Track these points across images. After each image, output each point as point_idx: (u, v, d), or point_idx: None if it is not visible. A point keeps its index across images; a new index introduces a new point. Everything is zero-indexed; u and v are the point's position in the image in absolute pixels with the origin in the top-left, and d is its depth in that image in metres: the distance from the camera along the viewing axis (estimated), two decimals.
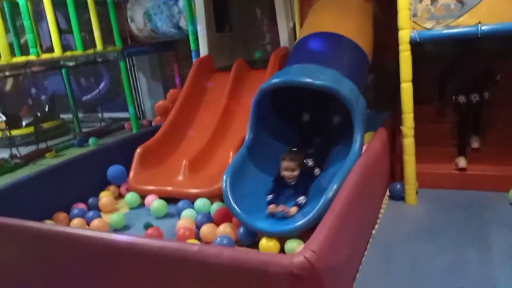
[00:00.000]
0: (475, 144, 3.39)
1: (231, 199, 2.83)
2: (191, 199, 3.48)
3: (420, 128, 3.14)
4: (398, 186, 3.27)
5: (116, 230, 3.32)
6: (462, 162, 3.33)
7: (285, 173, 2.92)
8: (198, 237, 2.95)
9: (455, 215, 2.94)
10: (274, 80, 3.05)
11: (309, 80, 2.94)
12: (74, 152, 5.75)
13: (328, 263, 1.82)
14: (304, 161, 3.04)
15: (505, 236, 2.61)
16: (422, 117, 3.23)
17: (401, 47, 3.00)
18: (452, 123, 3.54)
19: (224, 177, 2.92)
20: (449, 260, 2.44)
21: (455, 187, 3.29)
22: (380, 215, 3.05)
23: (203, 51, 5.03)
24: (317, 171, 3.10)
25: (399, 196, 3.25)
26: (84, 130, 6.92)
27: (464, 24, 2.81)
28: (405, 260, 2.47)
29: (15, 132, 6.36)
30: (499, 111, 3.46)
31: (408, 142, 3.11)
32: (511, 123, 3.37)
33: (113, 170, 4.02)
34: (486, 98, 3.33)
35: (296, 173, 2.91)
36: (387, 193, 3.38)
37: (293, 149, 3.12)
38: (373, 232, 2.82)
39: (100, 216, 3.40)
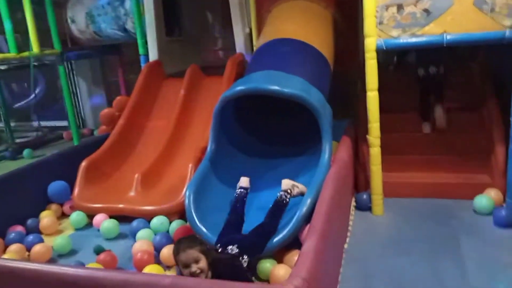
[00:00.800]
0: (438, 111, 3.48)
1: (195, 217, 2.61)
2: (147, 217, 3.17)
3: (384, 137, 3.10)
4: (365, 196, 3.21)
5: (60, 255, 2.95)
6: (426, 128, 3.54)
7: (189, 271, 1.95)
8: (158, 261, 2.67)
9: (423, 224, 2.92)
10: (239, 88, 2.87)
11: (276, 87, 2.79)
12: (7, 166, 5.16)
13: None
14: (222, 249, 2.25)
15: (474, 244, 2.62)
16: (387, 126, 3.19)
17: (367, 55, 2.94)
18: (417, 131, 3.57)
19: (187, 193, 2.69)
20: (425, 271, 2.39)
21: (419, 195, 3.28)
22: (349, 228, 2.95)
23: (153, 55, 4.74)
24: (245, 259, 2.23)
25: (365, 207, 3.19)
26: (17, 140, 6.27)
27: (430, 33, 2.80)
28: (382, 275, 2.39)
29: None
30: (464, 116, 3.53)
31: (375, 152, 3.06)
32: (474, 131, 3.43)
33: (55, 186, 3.60)
34: (441, 71, 3.56)
35: (202, 264, 1.95)
36: (353, 203, 3.31)
37: (185, 236, 2.24)
38: (345, 246, 2.71)
39: (42, 240, 3.00)
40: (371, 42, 2.91)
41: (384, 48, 2.90)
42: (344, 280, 2.36)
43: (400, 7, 2.84)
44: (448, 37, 2.75)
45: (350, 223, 3.04)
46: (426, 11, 2.78)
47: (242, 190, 2.77)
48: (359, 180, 3.47)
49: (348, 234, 2.89)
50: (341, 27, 3.92)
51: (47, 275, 1.84)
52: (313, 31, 3.47)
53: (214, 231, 2.52)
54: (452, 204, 3.14)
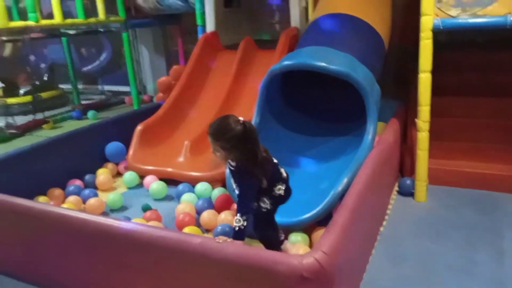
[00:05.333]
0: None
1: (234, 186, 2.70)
2: (192, 182, 3.34)
3: (435, 122, 2.99)
4: (408, 181, 3.14)
5: (112, 210, 3.20)
6: None
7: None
8: (198, 224, 2.83)
9: (466, 214, 2.84)
10: (286, 62, 2.88)
11: (323, 64, 2.77)
12: (72, 125, 5.59)
13: (339, 264, 1.71)
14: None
15: None
16: (438, 110, 3.08)
17: (422, 35, 2.82)
18: (471, 117, 3.37)
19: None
20: (458, 260, 2.35)
21: (466, 186, 3.16)
22: (388, 211, 2.93)
23: (210, 26, 4.81)
24: None
25: (408, 192, 3.13)
26: (83, 102, 6.73)
27: (492, 13, 2.63)
28: (413, 260, 2.38)
29: (12, 101, 6.18)
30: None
31: (423, 136, 2.97)
32: None
33: (112, 147, 3.88)
34: None
35: (218, 154, 2.00)
36: (396, 188, 3.26)
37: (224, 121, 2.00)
38: (381, 229, 2.71)
39: (96, 195, 3.27)
40: (428, 21, 2.78)
41: (441, 28, 2.76)
42: (375, 260, 2.37)
43: None
44: None
45: (390, 206, 3.01)
46: None
47: None
48: (405, 164, 3.40)
49: (386, 217, 2.87)
50: (401, 2, 3.76)
51: (95, 225, 2.05)
52: (368, 6, 3.37)
53: None
54: (500, 197, 3.00)
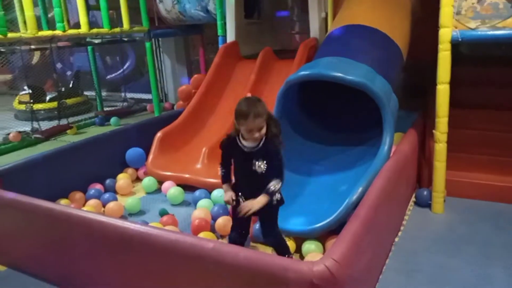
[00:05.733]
0: None
1: None
2: (209, 188, 3.40)
3: (452, 133, 2.97)
4: (425, 192, 3.11)
5: (131, 214, 3.28)
6: None
7: (253, 136, 2.04)
8: (213, 229, 2.87)
9: (483, 228, 2.79)
10: (302, 73, 2.92)
11: (339, 74, 2.79)
12: (95, 131, 5.74)
13: (349, 272, 1.72)
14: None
15: None
16: (456, 122, 3.05)
17: (440, 47, 2.82)
18: (491, 130, 3.33)
19: None
20: (473, 275, 2.31)
21: (485, 198, 3.11)
22: (404, 222, 2.91)
23: (230, 37, 4.91)
24: None
25: (425, 203, 3.10)
26: (106, 109, 6.92)
27: None
28: (427, 272, 2.35)
29: (38, 106, 6.39)
30: None
31: (440, 148, 2.95)
32: None
33: (132, 152, 3.97)
34: None
35: (263, 131, 2.05)
36: (413, 199, 3.23)
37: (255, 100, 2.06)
38: (396, 239, 2.69)
39: (116, 199, 3.36)
40: (446, 33, 2.78)
41: (460, 40, 2.76)
42: (388, 271, 2.36)
43: None
44: None
45: (406, 217, 2.99)
46: (510, 1, 2.59)
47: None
48: (423, 175, 3.37)
49: (402, 228, 2.85)
50: (419, 14, 3.76)
51: (111, 227, 2.11)
52: (387, 18, 3.38)
53: None
54: None
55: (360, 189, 2.49)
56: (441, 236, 2.74)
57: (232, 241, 2.32)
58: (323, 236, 2.52)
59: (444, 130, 2.92)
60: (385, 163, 2.65)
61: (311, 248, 2.47)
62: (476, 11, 2.70)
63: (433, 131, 3.00)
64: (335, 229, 2.48)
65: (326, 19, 4.35)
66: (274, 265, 1.65)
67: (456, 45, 2.83)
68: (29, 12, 4.53)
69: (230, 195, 2.21)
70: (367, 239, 2.00)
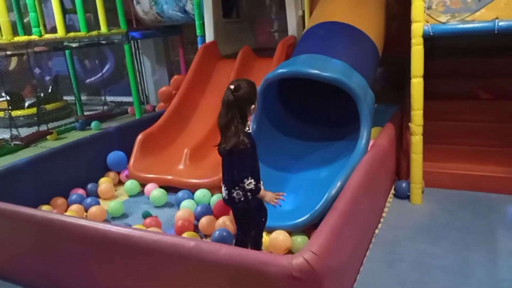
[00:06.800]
0: None
1: None
2: (191, 189, 3.41)
3: (429, 125, 3.04)
4: (404, 184, 3.18)
5: (114, 218, 3.27)
6: None
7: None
8: (196, 229, 2.89)
9: (461, 216, 2.87)
10: (280, 70, 2.95)
11: (316, 71, 2.84)
12: (76, 136, 5.69)
13: (329, 265, 1.76)
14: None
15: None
16: (432, 114, 3.13)
17: (413, 41, 2.89)
18: (467, 121, 3.41)
19: None
20: (454, 261, 2.38)
21: (462, 188, 3.20)
22: (384, 214, 2.97)
23: (209, 37, 4.91)
24: None
25: (404, 195, 3.17)
26: (86, 113, 6.85)
27: (480, 19, 2.69)
28: (408, 261, 2.41)
29: (17, 113, 6.30)
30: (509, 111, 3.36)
31: (416, 140, 3.02)
32: None
33: (114, 156, 3.95)
34: None
35: None
36: (392, 191, 3.30)
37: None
38: (376, 231, 2.75)
39: (98, 203, 3.35)
40: (418, 27, 2.84)
41: (431, 34, 2.82)
42: (369, 262, 2.41)
43: None
44: (501, 23, 2.62)
45: (386, 209, 3.05)
46: None
47: None
48: (401, 167, 3.44)
49: (382, 220, 2.91)
50: (395, 11, 3.83)
51: (94, 231, 2.11)
52: (362, 15, 3.44)
53: None
54: (495, 198, 3.03)
55: (338, 183, 2.54)
56: (421, 225, 2.81)
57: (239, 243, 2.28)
58: (308, 230, 2.56)
59: (419, 123, 2.99)
60: (363, 156, 2.71)
61: (297, 241, 2.50)
62: (446, 5, 2.78)
63: (409, 123, 3.06)
64: (318, 223, 2.53)
65: (303, 17, 4.41)
66: (254, 260, 1.68)
67: (429, 39, 2.90)
68: (4, 17, 4.47)
69: (272, 194, 2.13)
70: (346, 232, 2.05)
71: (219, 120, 2.09)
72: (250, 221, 2.23)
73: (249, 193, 2.05)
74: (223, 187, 2.17)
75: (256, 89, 2.09)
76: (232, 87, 2.03)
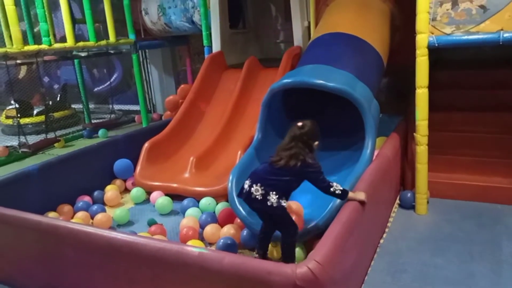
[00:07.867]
0: None
1: (236, 200, 2.77)
2: (197, 197, 3.43)
3: (434, 136, 3.05)
4: (409, 194, 3.18)
5: (119, 225, 3.29)
6: None
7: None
8: (201, 237, 2.90)
9: (466, 227, 2.86)
10: (285, 81, 2.98)
11: (321, 81, 2.87)
12: (83, 143, 5.74)
13: (333, 274, 1.76)
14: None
15: None
16: (436, 125, 3.14)
17: (418, 52, 2.90)
18: (473, 132, 3.41)
19: (230, 177, 2.87)
20: (458, 272, 2.38)
21: (467, 198, 3.19)
22: (389, 224, 2.97)
23: (216, 47, 4.97)
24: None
25: (409, 205, 3.16)
26: (94, 121, 6.91)
27: (485, 30, 2.71)
28: (412, 271, 2.41)
29: (26, 121, 6.38)
30: None
31: (421, 150, 3.02)
32: None
33: (120, 164, 3.99)
34: None
35: None
36: (397, 201, 3.29)
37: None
38: (381, 241, 2.74)
39: (104, 210, 3.37)
40: (423, 38, 2.86)
41: (436, 45, 2.84)
42: (373, 272, 2.41)
43: (455, 3, 2.77)
44: (505, 35, 2.64)
45: (391, 219, 3.04)
46: (483, 7, 2.69)
47: None
48: (406, 177, 3.44)
49: (386, 230, 2.90)
50: (399, 22, 3.86)
51: (99, 238, 2.13)
52: (367, 25, 3.47)
53: (253, 215, 2.68)
54: (501, 209, 3.02)
55: None
56: (425, 236, 2.80)
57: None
58: (312, 239, 2.56)
59: (424, 133, 3.00)
60: (368, 166, 2.71)
61: (297, 253, 2.50)
62: (450, 17, 2.80)
63: (414, 134, 3.07)
64: (322, 233, 2.53)
65: (309, 27, 4.45)
66: (258, 269, 1.69)
67: (434, 50, 2.92)
68: (15, 27, 4.56)
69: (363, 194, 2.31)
70: (350, 241, 2.05)
71: (281, 147, 2.45)
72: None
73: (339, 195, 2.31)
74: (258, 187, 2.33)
75: (318, 128, 2.46)
76: (299, 124, 2.44)
